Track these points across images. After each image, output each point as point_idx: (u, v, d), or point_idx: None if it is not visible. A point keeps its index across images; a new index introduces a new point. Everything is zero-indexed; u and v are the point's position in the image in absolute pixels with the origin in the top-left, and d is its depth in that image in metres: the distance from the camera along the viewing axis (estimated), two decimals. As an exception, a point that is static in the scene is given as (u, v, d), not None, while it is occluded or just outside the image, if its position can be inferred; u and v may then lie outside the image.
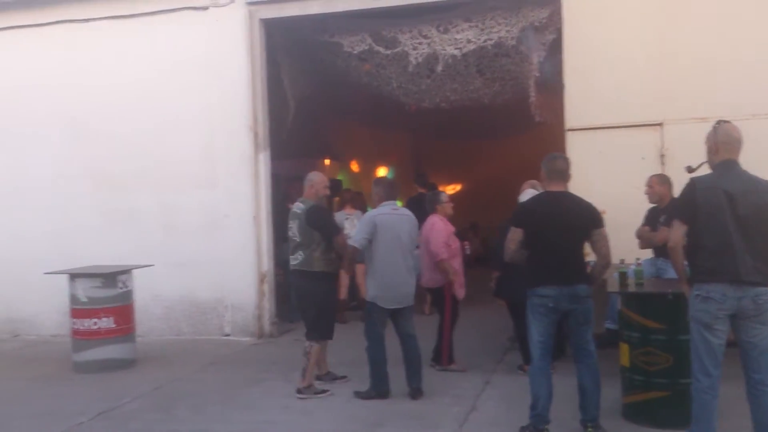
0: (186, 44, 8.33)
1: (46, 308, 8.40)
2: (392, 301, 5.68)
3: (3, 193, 8.76)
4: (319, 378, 6.05)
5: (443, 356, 6.42)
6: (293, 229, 5.83)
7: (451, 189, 15.25)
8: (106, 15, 8.48)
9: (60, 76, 8.62)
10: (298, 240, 5.78)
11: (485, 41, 7.99)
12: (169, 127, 8.39)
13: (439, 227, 6.36)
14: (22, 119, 8.69)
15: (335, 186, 11.45)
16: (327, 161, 12.52)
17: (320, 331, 5.83)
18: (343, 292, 8.59)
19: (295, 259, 5.83)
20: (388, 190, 5.95)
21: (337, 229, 6.06)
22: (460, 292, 6.44)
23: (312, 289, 5.78)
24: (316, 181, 6.01)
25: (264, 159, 8.36)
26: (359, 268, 8.47)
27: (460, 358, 6.51)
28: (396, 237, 5.68)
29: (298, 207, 5.88)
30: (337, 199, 10.98)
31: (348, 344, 6.72)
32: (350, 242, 5.85)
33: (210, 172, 8.31)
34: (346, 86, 9.72)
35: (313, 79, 9.56)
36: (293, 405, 5.62)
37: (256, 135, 8.28)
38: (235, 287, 8.15)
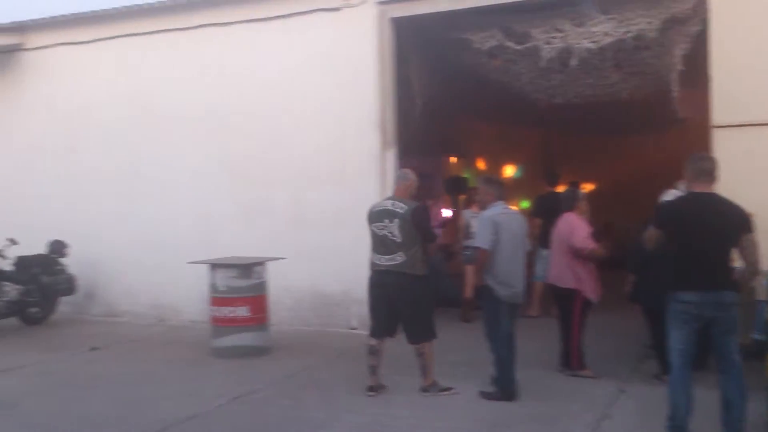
0: (318, 44, 8.58)
1: (188, 295, 8.92)
2: (514, 296, 5.69)
3: (152, 187, 9.38)
4: (372, 389, 5.85)
5: (573, 360, 6.24)
6: (390, 228, 5.65)
7: (584, 187, 14.77)
8: (244, 19, 8.86)
9: (204, 76, 9.13)
10: (398, 240, 5.63)
11: (624, 34, 7.68)
12: (301, 124, 8.68)
13: (580, 223, 6.21)
14: (171, 117, 9.27)
15: (461, 184, 11.42)
16: (453, 159, 12.48)
17: (429, 331, 5.80)
18: (470, 291, 8.55)
19: (393, 260, 5.65)
20: (501, 190, 5.93)
21: (434, 235, 6.07)
22: (594, 295, 6.24)
23: (418, 291, 5.72)
24: (412, 179, 5.97)
25: (391, 156, 8.45)
26: (468, 269, 8.43)
27: (591, 363, 6.30)
28: (514, 235, 5.68)
29: (396, 206, 5.72)
30: (462, 197, 10.92)
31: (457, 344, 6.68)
32: (477, 244, 5.77)
33: (338, 169, 8.52)
34: (473, 83, 9.66)
35: (440, 77, 9.56)
36: (418, 400, 5.66)
37: (383, 132, 8.39)
38: (361, 282, 8.21)
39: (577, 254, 6.11)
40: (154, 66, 9.39)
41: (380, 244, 5.74)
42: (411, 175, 6.01)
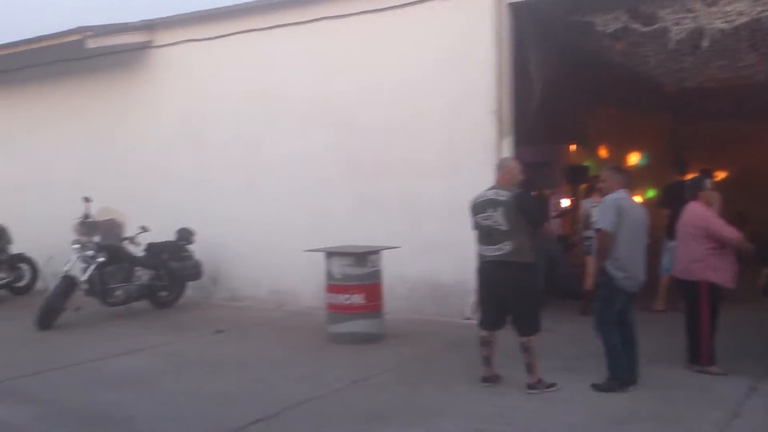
0: (434, 33, 8.54)
1: (305, 282, 9.17)
2: (633, 284, 5.54)
3: (272, 178, 9.68)
4: (487, 380, 5.78)
5: (702, 356, 5.89)
6: (495, 217, 5.53)
7: (716, 176, 13.92)
8: (361, 10, 8.93)
9: (321, 69, 9.31)
10: (503, 229, 5.50)
11: (760, 13, 7.13)
12: (415, 115, 8.67)
13: (709, 213, 5.89)
14: (290, 110, 9.52)
15: (582, 173, 11.05)
16: (573, 146, 12.09)
17: (537, 323, 5.67)
18: (590, 283, 8.26)
19: (500, 250, 5.53)
20: (627, 178, 5.78)
21: (542, 219, 5.89)
22: (732, 283, 5.90)
23: (526, 281, 5.61)
24: (512, 166, 5.83)
25: (507, 144, 8.29)
26: (589, 260, 8.12)
27: (720, 360, 5.93)
28: (637, 222, 5.55)
29: (499, 194, 5.59)
30: (583, 186, 10.57)
31: (576, 337, 6.46)
32: (599, 226, 5.60)
33: (453, 159, 8.44)
34: (595, 68, 9.31)
35: (559, 62, 9.28)
36: (533, 392, 5.54)
37: (500, 120, 8.24)
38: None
39: (723, 244, 5.77)
40: (275, 60, 9.66)
41: (486, 235, 5.66)
42: (511, 162, 5.91)
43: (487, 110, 8.22)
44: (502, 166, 5.88)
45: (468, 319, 8.25)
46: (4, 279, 10.57)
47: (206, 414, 5.26)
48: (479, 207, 5.72)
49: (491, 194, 5.68)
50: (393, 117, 8.79)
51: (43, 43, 10.41)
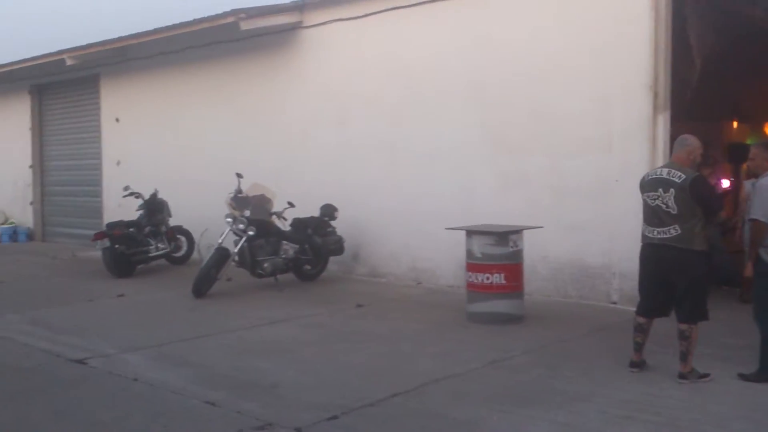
0: (585, 4, 8.13)
1: (445, 260, 9.15)
2: None
3: (414, 155, 9.68)
4: (635, 365, 5.52)
5: None
6: (665, 198, 5.20)
7: None
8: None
9: (463, 46, 9.16)
10: (673, 212, 5.17)
11: None
12: (563, 89, 8.33)
13: None
14: (433, 88, 9.47)
15: (743, 151, 10.16)
16: (734, 124, 11.18)
17: (704, 312, 5.30)
18: (750, 270, 7.61)
19: (667, 233, 5.21)
20: None
21: (719, 208, 5.40)
22: None
23: (697, 269, 5.23)
24: (695, 146, 5.36)
25: (663, 121, 7.78)
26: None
27: None
28: None
29: (672, 174, 5.21)
30: (744, 166, 9.73)
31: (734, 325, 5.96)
32: (754, 216, 5.16)
33: (603, 135, 8.05)
34: (760, 39, 8.49)
35: (723, 34, 8.57)
36: (684, 382, 5.21)
37: (655, 95, 7.73)
38: (624, 255, 7.78)
39: None
40: (420, 38, 9.61)
41: (652, 215, 5.34)
42: (692, 141, 5.43)
43: (642, 84, 7.75)
44: (682, 144, 5.44)
45: (614, 303, 7.90)
46: (163, 249, 11.33)
47: (347, 384, 5.37)
48: (648, 185, 5.41)
49: (664, 173, 5.33)
50: (541, 92, 8.50)
51: (200, 26, 11.01)
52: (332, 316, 7.85)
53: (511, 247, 7.22)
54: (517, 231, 7.32)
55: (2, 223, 16.52)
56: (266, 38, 11.18)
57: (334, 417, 4.66)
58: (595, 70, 8.07)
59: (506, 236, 7.20)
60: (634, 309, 7.65)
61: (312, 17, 10.77)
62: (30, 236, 16.37)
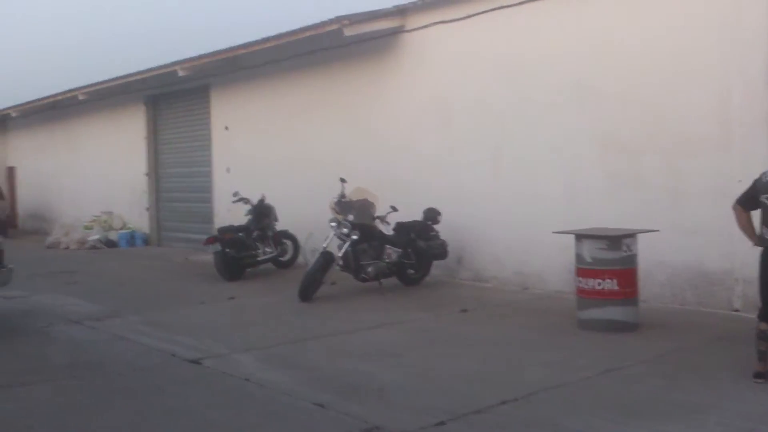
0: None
1: (552, 265, 8.88)
2: None
3: (519, 157, 9.48)
4: (760, 376, 5.14)
5: None
6: None
7: None
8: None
9: (570, 44, 8.88)
10: None
11: None
12: (680, 87, 7.92)
13: None
14: (539, 88, 9.24)
15: None
16: None
17: None
18: None
19: None
20: None
21: None
22: None
23: None
24: None
25: (790, 118, 7.25)
26: None
27: None
28: None
29: None
30: None
31: None
32: None
33: (723, 134, 7.59)
34: None
35: None
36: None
37: (781, 90, 7.21)
38: (747, 260, 7.22)
39: None
40: (523, 38, 9.43)
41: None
42: None
43: (765, 80, 7.23)
44: None
45: (736, 311, 7.42)
46: (270, 254, 11.63)
47: (453, 390, 5.28)
48: (766, 186, 5.09)
49: None
50: (656, 90, 8.11)
51: (305, 34, 11.24)
52: (437, 320, 7.78)
53: (624, 251, 6.90)
54: (631, 235, 7.00)
55: (120, 229, 17.47)
56: (368, 44, 11.28)
57: (442, 423, 4.58)
58: (714, 66, 7.62)
59: (619, 240, 6.89)
60: (758, 316, 7.17)
61: (414, 21, 10.76)
62: (146, 241, 17.23)
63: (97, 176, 19.05)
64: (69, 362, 6.43)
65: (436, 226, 9.91)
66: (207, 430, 4.66)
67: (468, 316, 7.93)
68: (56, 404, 5.23)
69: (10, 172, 23.95)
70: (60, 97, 18.68)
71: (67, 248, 16.85)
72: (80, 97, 17.80)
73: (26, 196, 23.15)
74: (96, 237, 16.96)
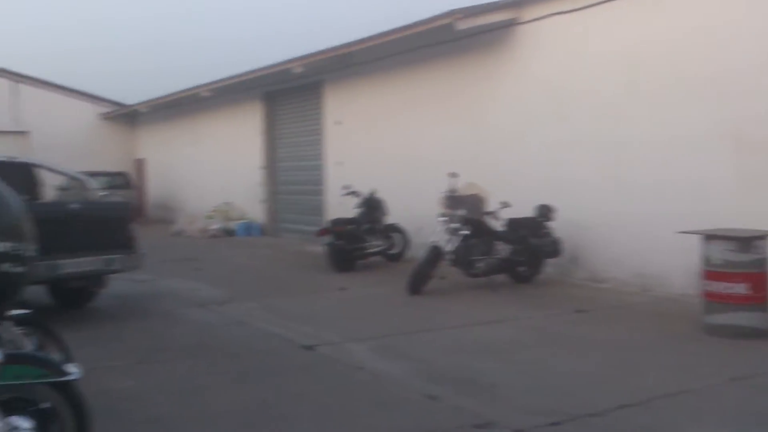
0: None
1: (676, 266, 8.45)
2: None
3: (641, 153, 9.08)
4: None
5: None
6: None
7: None
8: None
9: (694, 35, 8.44)
10: None
11: None
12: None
13: None
14: (667, 82, 8.79)
15: None
16: None
17: None
18: None
19: None
20: None
21: None
22: None
23: None
24: None
25: None
26: None
27: None
28: None
29: None
30: None
31: None
32: None
33: None
34: None
35: None
36: None
37: None
38: None
39: None
40: (646, 27, 9.03)
41: None
42: None
43: None
44: None
45: None
46: (379, 246, 11.79)
47: (568, 391, 5.15)
48: None
49: None
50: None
51: (418, 29, 11.27)
52: (550, 319, 7.61)
53: (756, 253, 6.49)
54: (763, 236, 6.57)
55: (239, 219, 18.23)
56: (481, 37, 11.17)
57: (557, 423, 4.48)
58: None
59: (751, 242, 6.49)
60: None
61: (529, 12, 10.56)
62: (262, 231, 17.89)
63: (217, 169, 19.96)
64: (194, 343, 6.78)
65: (549, 224, 9.69)
66: (322, 414, 4.78)
67: (583, 317, 7.71)
68: (182, 383, 5.52)
69: (140, 164, 25.49)
70: (185, 94, 19.70)
71: (190, 236, 17.78)
72: (203, 94, 18.70)
73: (153, 187, 24.59)
74: (216, 226, 17.81)
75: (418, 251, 11.23)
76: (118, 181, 21.63)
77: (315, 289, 9.76)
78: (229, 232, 17.72)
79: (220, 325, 7.62)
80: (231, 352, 6.43)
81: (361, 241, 11.51)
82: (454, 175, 9.67)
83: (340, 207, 13.26)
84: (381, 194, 11.99)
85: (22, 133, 22.68)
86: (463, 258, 9.24)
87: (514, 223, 9.69)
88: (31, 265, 2.12)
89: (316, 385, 5.43)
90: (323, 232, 11.48)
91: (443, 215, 9.46)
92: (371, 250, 11.64)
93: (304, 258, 13.15)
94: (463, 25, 10.58)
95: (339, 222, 11.52)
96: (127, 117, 25.39)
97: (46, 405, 3.27)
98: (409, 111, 12.96)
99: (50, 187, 13.05)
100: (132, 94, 24.62)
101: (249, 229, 17.80)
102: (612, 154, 9.44)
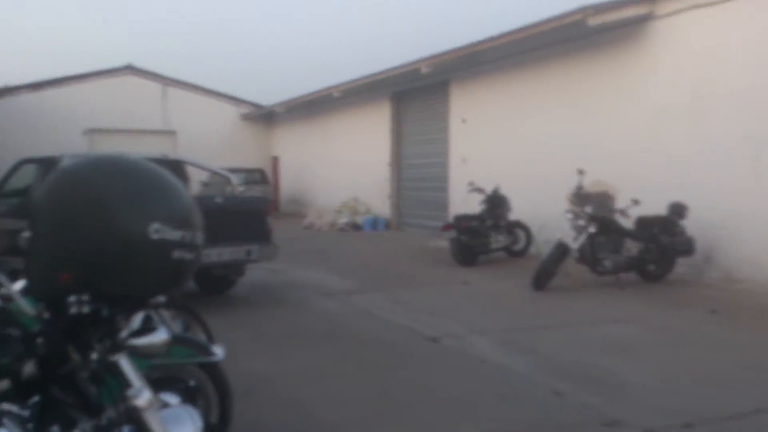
0: None
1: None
2: None
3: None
4: None
5: None
6: None
7: None
8: None
9: None
10: None
11: None
12: None
13: None
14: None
15: None
16: None
17: None
18: None
19: None
20: None
21: None
22: None
23: None
24: None
25: None
26: None
27: None
28: None
29: None
30: None
31: None
32: None
33: None
34: None
35: None
36: None
37: None
38: None
39: None
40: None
41: None
42: None
43: None
44: None
45: None
46: (502, 242, 11.80)
47: (700, 393, 5.03)
48: None
49: None
50: None
51: (548, 26, 11.16)
52: (681, 320, 7.38)
53: None
54: None
55: (365, 214, 18.75)
56: (612, 33, 10.90)
57: (689, 425, 4.40)
58: None
59: None
60: None
61: (664, 7, 10.21)
62: (387, 225, 18.32)
63: (345, 165, 20.63)
64: (324, 331, 7.15)
65: (682, 222, 9.33)
66: (448, 405, 4.94)
67: (717, 318, 7.42)
68: (314, 369, 5.86)
69: (275, 161, 26.73)
70: (318, 95, 20.51)
71: (319, 230, 18.51)
72: (335, 95, 19.39)
73: (287, 183, 25.73)
74: (344, 220, 18.42)
75: (541, 248, 11.17)
76: (255, 177, 22.85)
77: (439, 282, 9.95)
78: (356, 226, 18.28)
79: (349, 314, 7.96)
80: (359, 342, 6.72)
81: (485, 236, 11.57)
82: (581, 172, 9.53)
83: (464, 203, 13.36)
84: (505, 191, 11.98)
85: (170, 132, 24.46)
86: (589, 255, 9.11)
87: (644, 221, 9.41)
88: (200, 253, 2.34)
89: (441, 376, 5.59)
90: (447, 227, 11.64)
91: (570, 212, 9.35)
92: (494, 246, 11.68)
93: (427, 252, 13.36)
94: (594, 21, 10.39)
95: (463, 218, 11.64)
96: (264, 117, 26.69)
97: (192, 383, 3.53)
98: (536, 108, 12.85)
99: (195, 182, 14.02)
100: (268, 95, 25.94)
101: (375, 223, 18.27)
102: (753, 152, 8.97)
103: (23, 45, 50.44)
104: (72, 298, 2.17)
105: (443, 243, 12.26)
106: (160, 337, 2.43)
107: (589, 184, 9.48)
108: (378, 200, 18.83)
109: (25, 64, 43.26)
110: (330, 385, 5.41)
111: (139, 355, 2.42)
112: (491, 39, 12.61)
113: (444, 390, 5.23)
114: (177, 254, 2.18)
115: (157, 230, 2.13)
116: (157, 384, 2.83)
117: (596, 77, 11.47)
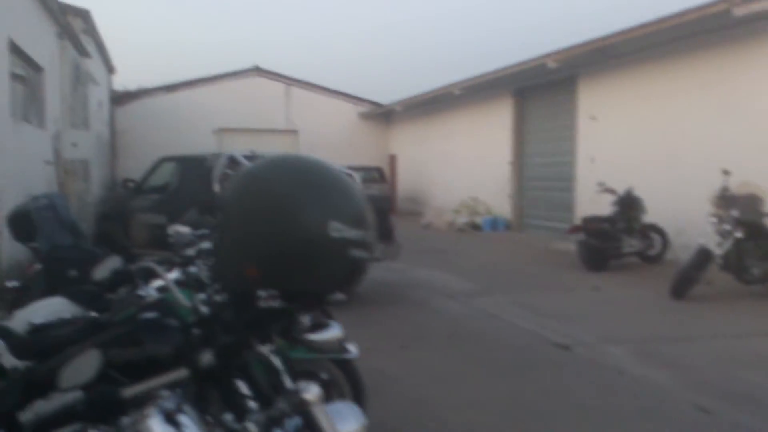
0: None
1: None
2: None
3: None
4: None
5: None
6: None
7: None
8: None
9: None
10: None
11: None
12: None
13: None
14: None
15: None
16: None
17: None
18: None
19: None
20: None
21: None
22: None
23: None
24: None
25: None
26: None
27: None
28: None
29: None
30: None
31: None
32: None
33: None
34: None
35: None
36: None
37: None
38: None
39: None
40: None
41: None
42: None
43: None
44: None
45: None
46: (636, 246, 11.16)
47: None
48: None
49: None
50: None
51: (689, 17, 10.46)
52: None
53: None
54: None
55: (485, 214, 18.44)
56: (759, 24, 10.05)
57: None
58: None
59: None
60: None
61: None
62: (507, 226, 17.91)
63: (465, 164, 20.37)
64: (449, 333, 7.02)
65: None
66: (582, 416, 4.67)
67: None
68: (441, 370, 5.74)
69: (392, 159, 26.89)
70: (437, 93, 20.39)
71: (438, 229, 18.39)
72: (456, 92, 19.19)
73: (404, 182, 25.81)
74: (463, 220, 18.19)
75: (679, 253, 10.49)
76: (373, 175, 23.04)
77: (566, 286, 9.55)
78: (475, 227, 18.00)
79: (472, 317, 7.78)
80: (485, 345, 6.53)
81: (616, 240, 11.00)
82: (726, 172, 8.84)
83: (591, 204, 12.79)
84: (638, 192, 11.35)
85: (292, 131, 25.11)
86: (735, 262, 8.43)
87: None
88: (373, 252, 2.33)
89: (574, 385, 5.32)
90: (574, 229, 11.18)
91: (714, 216, 8.70)
92: (627, 250, 11.08)
93: (552, 255, 12.92)
94: (740, 11, 9.61)
95: (593, 220, 11.13)
96: (383, 116, 26.91)
97: (325, 377, 3.56)
98: (672, 104, 12.10)
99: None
100: (386, 94, 26.13)
101: (495, 223, 17.92)
102: None
103: (153, 47, 53.71)
104: (262, 293, 2.21)
105: (569, 246, 11.79)
106: (334, 333, 2.44)
107: (736, 185, 8.78)
108: (498, 200, 18.45)
109: (158, 67, 46.07)
110: (457, 387, 5.27)
111: (313, 350, 2.45)
112: (624, 32, 11.98)
113: (581, 400, 4.96)
114: (354, 253, 2.21)
115: (337, 229, 2.17)
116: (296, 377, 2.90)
117: (741, 71, 10.62)
